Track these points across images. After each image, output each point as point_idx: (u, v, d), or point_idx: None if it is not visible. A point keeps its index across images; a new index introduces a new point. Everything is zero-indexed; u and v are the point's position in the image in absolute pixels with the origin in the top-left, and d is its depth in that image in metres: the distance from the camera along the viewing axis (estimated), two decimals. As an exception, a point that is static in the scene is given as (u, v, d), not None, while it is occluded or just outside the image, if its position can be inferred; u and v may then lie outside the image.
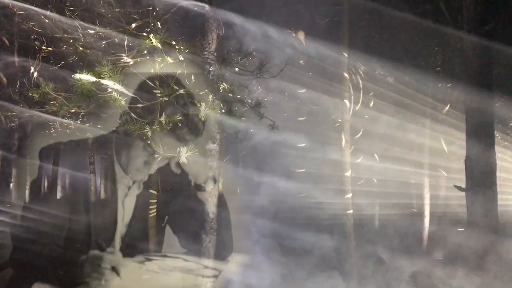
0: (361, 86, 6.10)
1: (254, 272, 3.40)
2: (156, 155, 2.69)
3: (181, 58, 2.77)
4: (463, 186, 5.07)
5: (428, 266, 4.93)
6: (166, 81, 2.72)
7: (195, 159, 2.84)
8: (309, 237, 4.99)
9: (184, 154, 2.54)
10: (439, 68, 6.21)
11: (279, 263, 4.06)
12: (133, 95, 2.68)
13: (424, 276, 4.80)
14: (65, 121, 2.83)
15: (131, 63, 2.86)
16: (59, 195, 2.70)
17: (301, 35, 5.53)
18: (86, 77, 2.57)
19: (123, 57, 2.85)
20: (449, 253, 5.00)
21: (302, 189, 6.23)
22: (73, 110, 2.65)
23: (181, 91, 2.68)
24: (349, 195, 5.46)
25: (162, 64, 2.76)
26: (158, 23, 2.84)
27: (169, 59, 2.75)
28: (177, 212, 2.82)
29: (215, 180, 2.89)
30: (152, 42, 2.63)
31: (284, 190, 5.87)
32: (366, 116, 6.29)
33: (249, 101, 3.01)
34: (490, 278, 4.52)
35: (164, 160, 2.81)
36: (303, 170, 6.19)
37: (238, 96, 2.84)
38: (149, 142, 2.60)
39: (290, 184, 5.98)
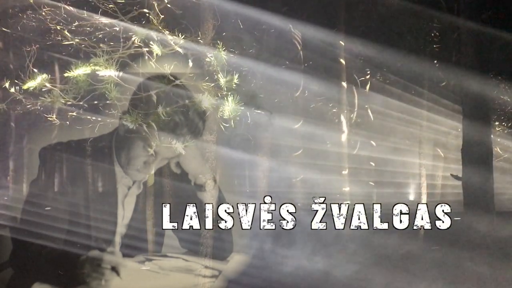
0: (356, 78, 6.11)
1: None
2: (156, 154, 2.68)
3: (178, 49, 2.75)
4: (460, 175, 5.08)
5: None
6: (162, 72, 2.70)
7: (195, 158, 2.83)
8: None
9: (181, 146, 2.52)
10: (435, 59, 6.19)
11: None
12: (129, 86, 2.66)
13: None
14: (66, 107, 2.79)
15: (128, 53, 2.83)
16: (59, 195, 2.69)
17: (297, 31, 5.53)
18: (81, 69, 2.55)
19: (119, 48, 2.82)
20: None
21: (299, 173, 6.25)
22: (70, 102, 2.63)
23: (178, 81, 2.66)
24: (347, 188, 5.48)
25: (158, 56, 2.73)
26: (151, 16, 2.81)
27: (165, 50, 2.72)
28: (177, 212, 2.81)
29: (215, 180, 2.88)
30: (153, 27, 2.61)
31: (281, 174, 5.88)
32: (362, 107, 6.30)
33: (244, 89, 2.98)
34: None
35: (164, 160, 2.79)
36: (300, 151, 6.20)
37: (234, 86, 2.82)
38: (148, 138, 2.57)
39: (287, 168, 6.00)
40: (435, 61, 6.18)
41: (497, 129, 7.00)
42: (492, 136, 5.23)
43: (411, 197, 7.11)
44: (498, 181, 5.70)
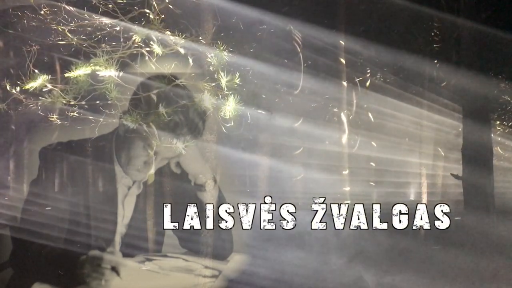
0: (356, 77, 6.10)
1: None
2: (156, 154, 2.68)
3: (179, 48, 2.75)
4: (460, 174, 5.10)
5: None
6: (162, 72, 2.70)
7: (195, 158, 2.83)
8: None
9: (182, 145, 2.52)
10: (435, 58, 6.18)
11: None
12: (129, 86, 2.66)
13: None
14: (66, 107, 2.80)
15: (128, 53, 2.82)
16: (59, 195, 2.68)
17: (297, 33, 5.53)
18: (81, 69, 2.55)
19: (119, 48, 2.82)
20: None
21: (299, 173, 6.26)
22: (72, 102, 2.62)
23: (178, 81, 2.66)
24: (347, 188, 5.47)
25: (158, 55, 2.73)
26: (151, 15, 2.81)
27: (165, 50, 2.72)
28: (177, 212, 2.81)
29: (215, 180, 2.88)
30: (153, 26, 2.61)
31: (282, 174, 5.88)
32: (362, 107, 6.30)
33: (245, 89, 2.98)
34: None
35: (164, 160, 2.79)
36: (300, 150, 6.19)
37: (235, 86, 2.82)
38: (148, 138, 2.57)
39: (287, 168, 6.00)
40: (435, 61, 6.17)
41: (497, 128, 7.00)
42: (492, 135, 5.24)
43: (412, 197, 7.10)
44: (499, 181, 5.71)
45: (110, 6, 2.84)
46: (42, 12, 3.03)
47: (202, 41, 2.89)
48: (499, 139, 7.04)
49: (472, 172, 4.98)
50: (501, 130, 7.14)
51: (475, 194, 5.00)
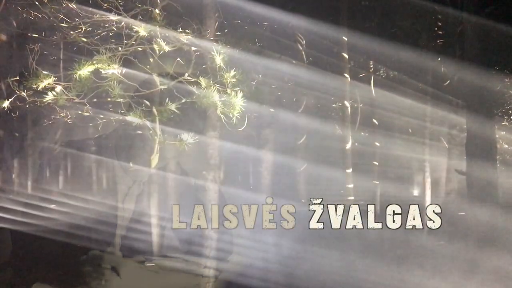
0: (359, 73, 6.11)
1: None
2: (157, 153, 2.68)
3: (184, 44, 2.75)
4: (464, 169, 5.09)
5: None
6: (165, 69, 2.71)
7: (196, 158, 2.83)
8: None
9: (185, 142, 2.53)
10: (439, 53, 6.14)
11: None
12: (132, 83, 2.66)
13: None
14: (69, 105, 2.81)
15: (130, 50, 2.83)
16: (59, 195, 2.70)
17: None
18: (85, 68, 2.55)
19: (122, 45, 2.83)
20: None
21: (301, 170, 6.27)
22: (76, 100, 2.63)
23: (180, 78, 2.66)
24: (351, 185, 5.47)
25: (161, 52, 2.73)
26: (156, 10, 2.81)
27: (167, 47, 2.72)
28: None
29: (216, 180, 2.88)
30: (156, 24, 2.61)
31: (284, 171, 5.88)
32: (365, 103, 6.30)
33: (248, 85, 2.98)
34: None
35: (165, 160, 2.80)
36: (303, 139, 6.19)
37: (239, 82, 2.82)
38: (150, 138, 2.58)
39: (291, 165, 6.00)
40: (439, 56, 6.14)
41: (502, 123, 6.98)
42: (496, 130, 5.23)
43: (415, 193, 7.10)
44: (503, 175, 5.70)
45: (105, 5, 2.85)
46: (46, 10, 3.03)
47: (209, 37, 2.89)
48: (503, 133, 7.01)
49: (476, 167, 4.97)
50: (506, 125, 7.12)
51: (479, 189, 4.98)
